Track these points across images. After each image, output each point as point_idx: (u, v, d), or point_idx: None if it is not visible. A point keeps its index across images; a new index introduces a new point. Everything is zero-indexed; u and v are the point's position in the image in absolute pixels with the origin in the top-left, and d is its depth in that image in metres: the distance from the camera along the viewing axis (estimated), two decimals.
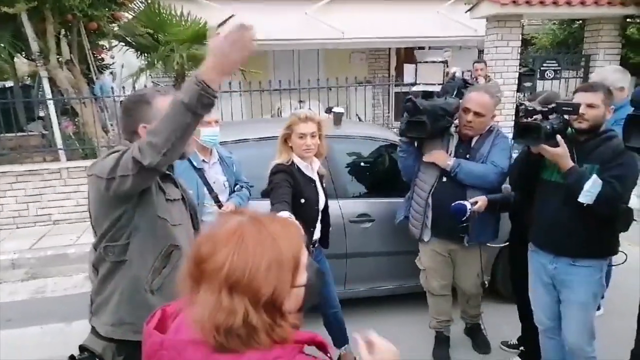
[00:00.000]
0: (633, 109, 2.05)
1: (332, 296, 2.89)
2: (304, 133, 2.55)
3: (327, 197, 2.78)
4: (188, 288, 0.92)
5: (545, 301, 2.50)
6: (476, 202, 2.68)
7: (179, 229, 1.70)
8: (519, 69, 7.20)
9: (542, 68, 7.31)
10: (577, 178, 2.16)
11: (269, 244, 0.89)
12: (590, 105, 2.21)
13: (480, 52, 8.94)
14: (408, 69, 7.16)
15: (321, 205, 2.69)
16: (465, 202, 2.67)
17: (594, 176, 2.12)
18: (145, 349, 0.97)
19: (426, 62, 6.90)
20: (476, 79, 6.05)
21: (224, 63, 1.34)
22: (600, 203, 2.12)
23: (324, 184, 2.77)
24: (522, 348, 3.05)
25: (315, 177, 2.69)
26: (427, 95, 2.96)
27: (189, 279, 0.92)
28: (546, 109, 2.25)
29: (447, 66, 6.75)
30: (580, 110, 2.19)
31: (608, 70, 3.44)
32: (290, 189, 2.49)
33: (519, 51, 7.04)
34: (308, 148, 2.57)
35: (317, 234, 2.73)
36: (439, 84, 3.52)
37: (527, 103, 2.36)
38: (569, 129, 2.29)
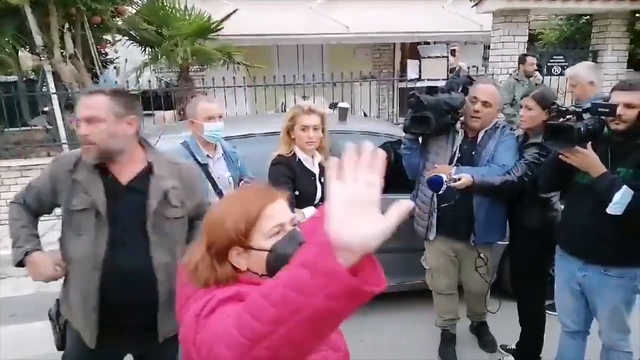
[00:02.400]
0: None
1: None
2: (307, 125, 2.55)
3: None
4: None
5: (572, 308, 2.44)
6: (457, 179, 2.57)
7: (81, 239, 1.75)
8: None
9: (548, 64, 7.23)
10: (607, 186, 2.05)
11: (223, 208, 1.13)
12: (628, 105, 2.07)
13: (486, 47, 8.88)
14: (411, 64, 7.08)
15: (317, 200, 2.65)
16: (443, 175, 2.59)
17: (624, 187, 2.01)
18: None
19: (429, 57, 6.84)
20: (527, 74, 5.95)
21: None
22: (631, 213, 2.01)
23: (322, 181, 2.70)
24: (512, 346, 3.05)
25: (316, 171, 2.66)
26: (432, 90, 2.92)
27: None
28: (580, 110, 2.15)
29: (455, 58, 6.65)
30: (618, 111, 2.06)
31: (580, 65, 3.46)
32: (287, 185, 2.48)
33: (526, 47, 6.98)
34: (310, 140, 2.56)
35: None
36: (442, 79, 3.47)
37: (559, 102, 2.29)
38: (605, 129, 2.16)
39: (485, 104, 2.71)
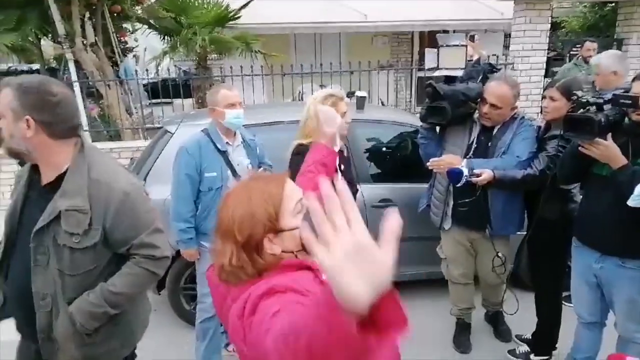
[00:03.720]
0: None
1: None
2: None
3: (350, 178, 2.73)
4: None
5: (588, 299, 2.43)
6: (479, 175, 2.54)
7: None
8: (548, 53, 7.00)
9: (571, 52, 7.09)
10: (628, 178, 2.02)
11: (244, 199, 1.11)
12: None
13: (507, 35, 8.72)
14: (429, 53, 6.99)
15: None
16: (463, 168, 2.57)
17: None
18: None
19: (448, 45, 6.72)
20: (585, 60, 5.80)
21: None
22: None
23: (342, 168, 2.70)
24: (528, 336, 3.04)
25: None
26: (449, 80, 2.88)
27: None
28: (601, 101, 2.10)
29: (474, 46, 6.56)
30: None
31: (604, 54, 3.36)
32: None
33: (548, 35, 6.83)
34: None
35: None
36: (461, 69, 3.42)
37: (579, 93, 2.24)
38: (626, 119, 2.12)
39: (493, 106, 2.67)
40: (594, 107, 2.11)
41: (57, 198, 1.53)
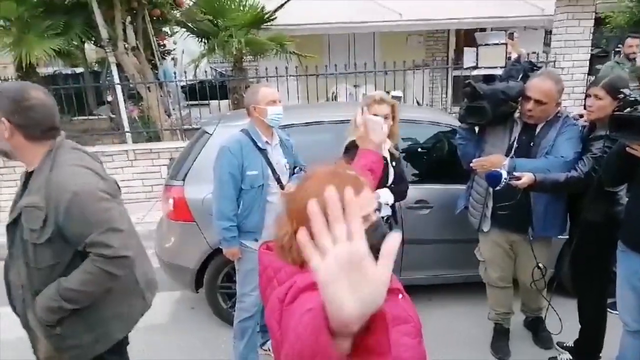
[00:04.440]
0: None
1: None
2: (377, 114, 2.58)
3: (400, 177, 2.77)
4: None
5: (635, 306, 2.34)
6: (519, 178, 2.47)
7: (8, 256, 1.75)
8: (591, 50, 6.74)
9: (616, 49, 6.80)
10: None
11: (312, 190, 1.05)
12: None
13: (548, 32, 8.45)
14: (468, 52, 6.85)
15: (390, 182, 2.71)
16: (502, 171, 2.50)
17: None
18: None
19: (487, 44, 6.57)
20: (628, 57, 5.61)
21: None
22: None
23: (394, 164, 2.75)
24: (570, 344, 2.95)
25: (387, 155, 2.71)
26: (489, 79, 2.83)
27: None
28: None
29: (513, 44, 6.38)
30: None
31: None
32: None
33: (592, 31, 6.58)
34: None
35: (386, 211, 2.72)
36: (501, 67, 3.34)
37: (626, 92, 2.15)
38: None
39: (538, 102, 2.59)
40: None
41: (24, 196, 1.68)
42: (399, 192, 2.75)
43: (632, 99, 2.07)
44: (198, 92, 6.87)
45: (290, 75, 6.53)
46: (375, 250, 1.00)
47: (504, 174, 2.49)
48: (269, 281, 1.20)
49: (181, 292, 3.92)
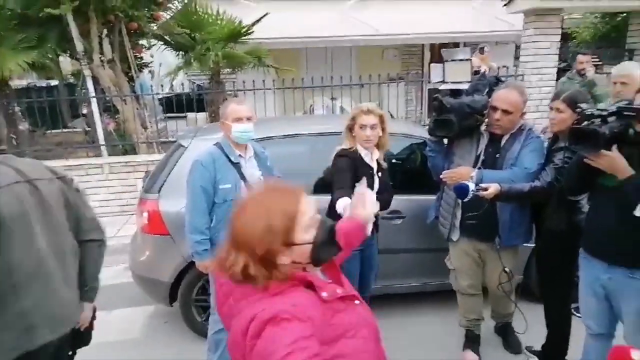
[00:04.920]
0: None
1: (370, 282, 3.06)
2: (365, 124, 2.73)
3: (385, 186, 2.87)
4: None
5: (597, 311, 2.42)
6: (485, 189, 2.57)
7: None
8: (558, 64, 7.00)
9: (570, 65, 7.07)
10: (634, 189, 2.03)
11: (263, 213, 1.16)
12: None
13: (518, 47, 8.74)
14: (435, 68, 7.00)
15: (375, 191, 2.77)
16: (470, 183, 2.59)
17: None
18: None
19: (454, 60, 6.73)
20: (579, 73, 5.81)
21: None
22: None
23: (379, 175, 2.85)
24: (537, 348, 3.02)
25: (374, 166, 2.83)
26: (455, 93, 2.93)
27: None
28: (605, 113, 2.12)
29: (483, 58, 6.57)
30: None
31: (630, 64, 3.29)
32: (351, 174, 2.65)
33: (559, 46, 6.84)
34: (367, 139, 2.74)
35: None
36: (467, 82, 3.46)
37: (583, 106, 2.26)
38: (631, 130, 2.11)
39: (505, 112, 2.70)
40: (599, 119, 2.13)
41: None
42: (383, 201, 2.84)
43: (589, 113, 2.18)
44: (175, 105, 6.86)
45: (267, 89, 6.60)
46: (324, 242, 1.21)
47: (472, 186, 2.58)
48: (225, 298, 1.23)
49: (155, 306, 3.89)
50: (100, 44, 6.59)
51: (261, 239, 1.13)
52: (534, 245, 3.17)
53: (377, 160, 2.85)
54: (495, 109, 2.74)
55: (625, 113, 2.08)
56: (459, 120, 2.74)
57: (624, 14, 8.25)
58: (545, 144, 2.82)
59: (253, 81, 6.37)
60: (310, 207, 1.23)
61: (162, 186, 3.33)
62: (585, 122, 2.17)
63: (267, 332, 1.05)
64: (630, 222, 2.08)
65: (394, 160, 3.96)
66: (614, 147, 2.09)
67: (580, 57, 5.90)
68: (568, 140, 2.26)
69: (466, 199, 2.61)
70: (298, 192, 1.24)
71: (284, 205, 1.18)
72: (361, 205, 1.69)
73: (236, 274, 1.14)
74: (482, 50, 6.77)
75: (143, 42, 8.14)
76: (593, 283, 2.38)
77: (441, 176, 2.85)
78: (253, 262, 1.13)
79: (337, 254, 1.30)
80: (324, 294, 1.19)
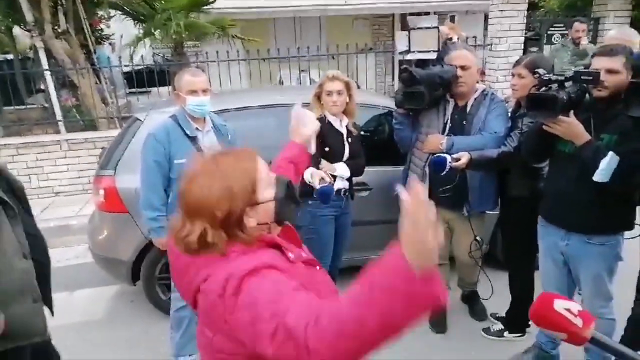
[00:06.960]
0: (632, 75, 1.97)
1: (342, 250, 3.12)
2: (331, 90, 2.78)
3: (357, 153, 2.92)
4: None
5: (555, 276, 2.45)
6: (457, 159, 2.57)
7: None
8: (525, 33, 6.99)
9: (548, 32, 7.09)
10: (592, 154, 2.02)
11: (218, 176, 1.11)
12: (610, 71, 2.01)
13: (487, 17, 8.69)
14: (400, 36, 6.81)
15: (345, 157, 2.87)
16: (446, 156, 2.58)
17: (610, 153, 1.97)
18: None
19: (419, 28, 6.58)
20: (574, 41, 5.77)
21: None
22: (616, 180, 1.98)
23: (349, 140, 2.89)
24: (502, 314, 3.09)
25: (344, 131, 2.87)
26: (423, 63, 2.86)
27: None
28: (562, 78, 2.09)
29: (452, 27, 6.51)
30: (600, 78, 2.00)
31: (632, 31, 3.22)
32: (317, 141, 2.57)
33: (525, 15, 6.82)
34: (334, 104, 2.79)
35: (342, 184, 2.88)
36: (434, 51, 3.37)
37: (541, 71, 2.22)
38: (587, 96, 2.12)
39: (463, 67, 2.71)
40: (556, 84, 2.10)
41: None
42: (355, 166, 2.92)
43: (546, 78, 2.15)
44: (136, 79, 6.58)
45: (233, 60, 6.38)
46: (284, 197, 1.21)
47: (448, 158, 2.56)
48: (185, 269, 1.17)
49: (120, 285, 3.78)
50: (54, 14, 6.22)
51: (219, 201, 1.09)
52: (498, 213, 3.20)
53: (347, 127, 2.88)
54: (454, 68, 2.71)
55: (583, 77, 2.06)
56: (429, 91, 2.68)
57: None
58: (510, 111, 2.80)
59: (217, 52, 6.14)
60: (265, 166, 1.21)
61: (118, 162, 3.18)
62: (543, 88, 2.14)
63: (249, 283, 1.02)
64: (588, 189, 2.09)
65: (361, 132, 3.89)
66: (571, 113, 2.07)
67: (577, 25, 5.91)
68: (526, 106, 2.25)
69: (443, 172, 2.58)
70: (252, 152, 1.21)
71: (243, 166, 1.15)
72: (302, 125, 1.68)
73: (192, 242, 1.09)
74: (452, 19, 6.71)
75: (102, 12, 7.74)
76: (552, 249, 2.40)
77: (423, 150, 2.83)
78: (212, 227, 1.09)
79: (299, 208, 1.29)
80: (291, 255, 1.18)
